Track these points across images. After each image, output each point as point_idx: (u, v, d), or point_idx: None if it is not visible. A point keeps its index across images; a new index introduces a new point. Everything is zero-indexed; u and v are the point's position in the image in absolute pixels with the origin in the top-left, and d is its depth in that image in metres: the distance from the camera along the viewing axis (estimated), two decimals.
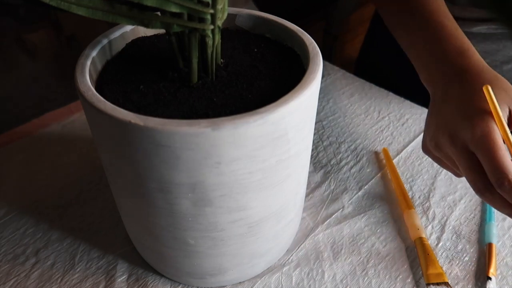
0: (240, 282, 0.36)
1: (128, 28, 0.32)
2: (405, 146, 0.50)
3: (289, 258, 0.38)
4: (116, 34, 0.31)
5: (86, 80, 0.26)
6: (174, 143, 0.23)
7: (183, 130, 0.23)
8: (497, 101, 0.32)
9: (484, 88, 0.32)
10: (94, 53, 0.29)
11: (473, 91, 0.34)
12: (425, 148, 0.39)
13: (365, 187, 0.45)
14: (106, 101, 0.24)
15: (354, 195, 0.44)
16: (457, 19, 0.51)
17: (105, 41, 0.30)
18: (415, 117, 0.54)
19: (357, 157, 0.49)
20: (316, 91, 0.27)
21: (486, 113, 0.32)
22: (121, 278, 0.37)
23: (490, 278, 0.36)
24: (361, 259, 0.38)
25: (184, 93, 0.27)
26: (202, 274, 0.34)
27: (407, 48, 0.43)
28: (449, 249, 0.39)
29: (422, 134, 0.52)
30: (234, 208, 0.28)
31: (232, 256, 0.32)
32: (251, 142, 0.24)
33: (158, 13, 0.26)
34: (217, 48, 0.28)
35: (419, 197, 0.44)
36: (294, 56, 0.31)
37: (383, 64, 0.68)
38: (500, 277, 0.37)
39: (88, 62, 0.28)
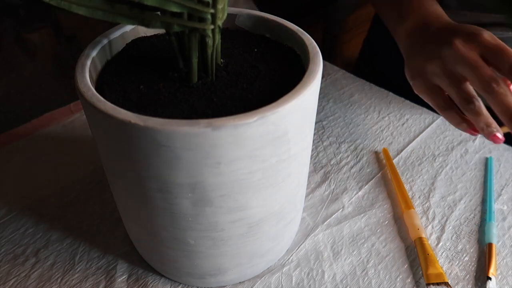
0: (240, 282, 0.36)
1: (128, 28, 0.32)
2: (405, 146, 0.50)
3: (289, 258, 0.38)
4: (116, 34, 0.31)
5: (86, 80, 0.26)
6: (174, 143, 0.23)
7: (183, 130, 0.23)
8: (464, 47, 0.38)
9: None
10: (94, 53, 0.29)
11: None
12: (419, 75, 0.42)
13: (365, 187, 0.45)
14: (106, 101, 0.24)
15: (354, 195, 0.44)
16: None
17: (105, 41, 0.30)
18: (415, 117, 0.54)
19: (357, 157, 0.49)
20: (316, 91, 0.27)
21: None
22: (121, 278, 0.37)
23: (490, 278, 0.36)
24: (361, 259, 0.38)
25: (184, 93, 0.27)
26: (202, 274, 0.34)
27: (387, 20, 0.50)
28: (449, 249, 0.39)
29: (422, 135, 0.52)
30: (234, 208, 0.28)
31: (232, 256, 0.32)
32: (251, 142, 0.24)
33: (158, 13, 0.26)
34: (217, 48, 0.28)
35: (419, 197, 0.44)
36: (294, 56, 0.31)
37: (383, 66, 0.68)
38: (500, 277, 0.37)
39: (88, 62, 0.28)
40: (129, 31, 0.32)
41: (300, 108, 0.26)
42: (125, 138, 0.24)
